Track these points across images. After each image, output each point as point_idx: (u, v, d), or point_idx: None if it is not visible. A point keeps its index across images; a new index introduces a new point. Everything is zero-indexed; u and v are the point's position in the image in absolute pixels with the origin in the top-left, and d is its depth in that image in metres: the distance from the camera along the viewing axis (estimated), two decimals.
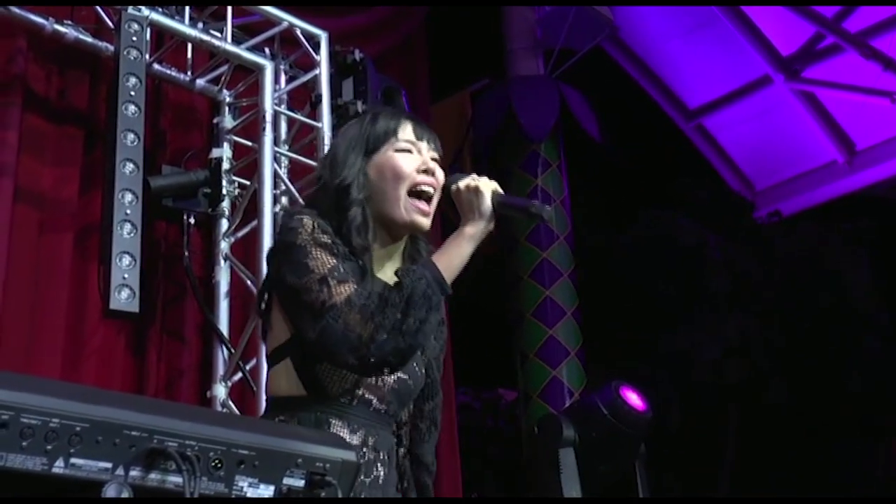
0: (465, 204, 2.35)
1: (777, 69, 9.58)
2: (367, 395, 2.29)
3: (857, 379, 9.77)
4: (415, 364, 2.37)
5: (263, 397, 4.97)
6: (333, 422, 2.24)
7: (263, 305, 2.40)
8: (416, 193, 2.39)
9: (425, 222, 2.40)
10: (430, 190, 2.40)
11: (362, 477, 2.21)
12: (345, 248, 2.29)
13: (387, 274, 2.39)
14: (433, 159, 2.44)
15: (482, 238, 2.34)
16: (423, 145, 2.43)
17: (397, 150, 2.41)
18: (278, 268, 2.30)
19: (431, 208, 2.41)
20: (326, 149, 2.48)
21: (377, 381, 2.29)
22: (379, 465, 2.29)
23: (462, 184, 2.37)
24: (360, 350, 2.12)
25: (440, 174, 2.43)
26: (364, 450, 2.25)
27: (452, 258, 2.29)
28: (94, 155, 5.32)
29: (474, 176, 2.39)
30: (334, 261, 2.23)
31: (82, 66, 5.44)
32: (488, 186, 2.37)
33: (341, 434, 2.22)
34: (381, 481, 2.29)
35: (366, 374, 2.23)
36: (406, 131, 2.43)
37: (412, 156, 2.41)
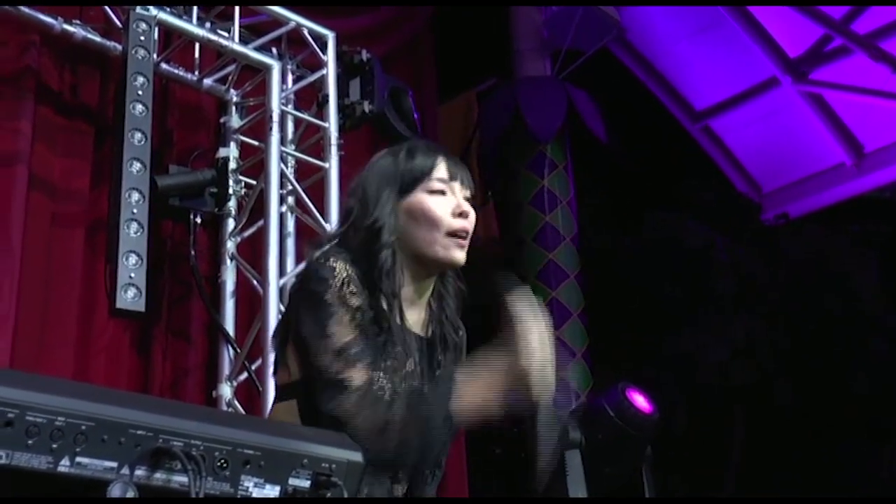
0: (522, 390, 2.21)
1: (784, 71, 9.56)
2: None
3: (864, 381, 9.73)
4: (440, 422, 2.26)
5: (269, 397, 4.99)
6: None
7: (278, 339, 2.37)
8: (452, 235, 2.34)
9: (460, 255, 2.35)
10: (466, 235, 2.35)
11: None
12: (370, 313, 2.24)
13: (413, 317, 2.36)
14: (466, 198, 2.39)
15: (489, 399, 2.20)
16: (456, 185, 2.38)
17: (431, 192, 2.35)
18: (298, 315, 2.26)
19: (465, 244, 2.36)
20: (356, 183, 2.42)
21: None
22: None
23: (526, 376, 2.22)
24: (375, 444, 2.05)
25: (472, 215, 2.38)
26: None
27: (477, 401, 2.19)
28: (104, 152, 5.33)
29: None
30: (353, 335, 2.19)
31: (93, 63, 5.45)
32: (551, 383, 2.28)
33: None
34: None
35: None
36: (440, 170, 2.37)
37: (446, 198, 2.35)
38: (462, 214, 2.34)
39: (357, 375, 2.15)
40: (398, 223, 2.32)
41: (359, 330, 2.20)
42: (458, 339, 2.46)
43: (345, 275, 2.23)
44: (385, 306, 2.28)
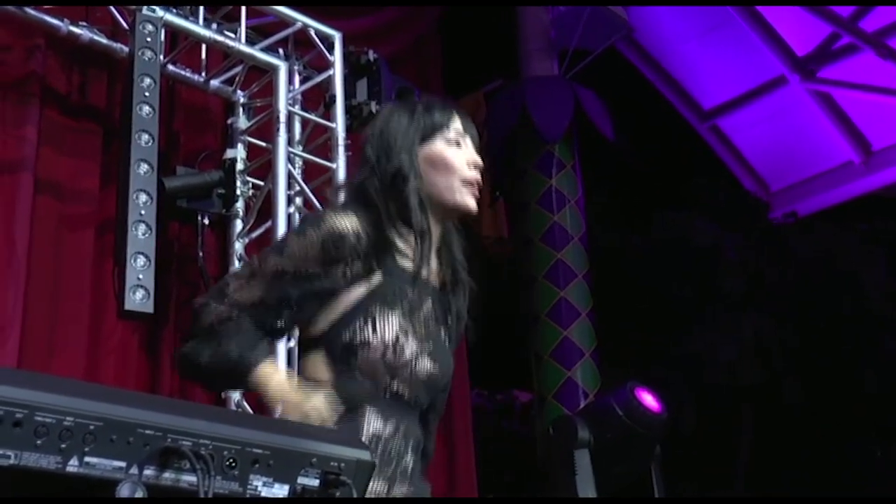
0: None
1: (792, 69, 9.55)
2: (399, 388, 2.31)
3: (873, 379, 9.72)
4: (445, 352, 2.41)
5: None
6: (368, 410, 2.26)
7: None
8: (469, 186, 2.44)
9: (475, 205, 2.45)
10: (476, 185, 2.45)
11: (393, 466, 2.25)
12: (359, 266, 2.30)
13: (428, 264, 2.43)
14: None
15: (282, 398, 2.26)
16: (468, 140, 2.49)
17: (448, 142, 2.45)
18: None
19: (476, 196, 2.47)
20: (373, 132, 2.50)
21: (411, 374, 2.31)
22: (408, 455, 2.31)
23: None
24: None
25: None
26: (395, 438, 2.28)
27: (284, 396, 2.24)
28: (113, 153, 5.34)
29: None
30: (288, 267, 2.27)
31: (100, 65, 5.47)
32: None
33: (374, 422, 2.26)
34: (409, 472, 2.31)
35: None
36: (456, 123, 2.48)
37: (461, 150, 2.46)
38: (476, 166, 2.46)
39: (246, 295, 2.25)
40: (419, 169, 2.42)
41: (299, 273, 2.27)
42: (466, 279, 2.54)
43: (330, 222, 2.30)
44: (413, 246, 2.37)
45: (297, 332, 2.47)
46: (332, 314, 2.30)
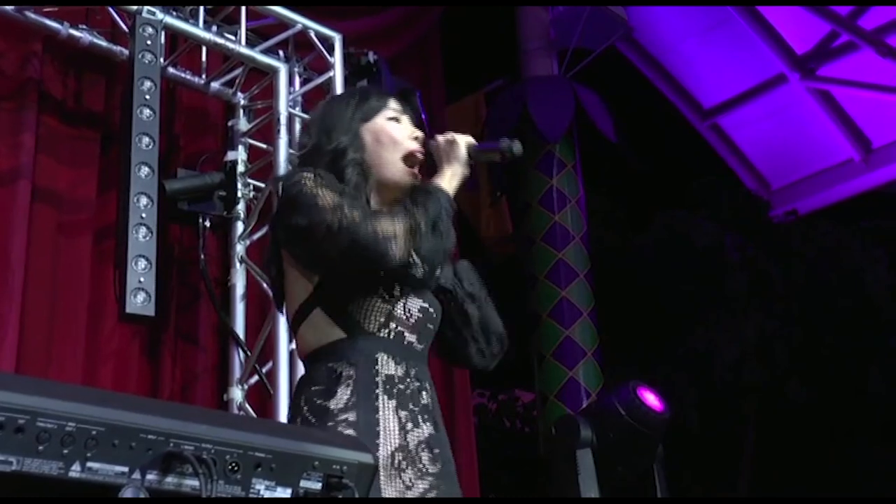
0: (443, 153, 2.51)
1: (792, 68, 9.55)
2: (399, 328, 2.39)
3: (877, 378, 9.72)
4: (430, 295, 2.51)
5: (281, 400, 5.00)
6: (379, 356, 2.34)
7: (275, 271, 2.51)
8: (408, 161, 2.54)
9: (413, 178, 2.54)
10: (421, 156, 2.55)
11: (412, 406, 2.33)
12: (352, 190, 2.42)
13: None
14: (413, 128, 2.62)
15: (457, 183, 2.48)
16: (407, 118, 2.61)
17: (390, 119, 2.58)
18: (287, 221, 2.38)
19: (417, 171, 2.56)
20: (313, 118, 2.63)
21: (405, 313, 2.40)
22: (424, 393, 2.38)
23: (440, 138, 2.54)
24: (394, 246, 2.26)
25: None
26: (408, 380, 2.35)
27: (446, 183, 2.46)
28: (111, 157, 5.33)
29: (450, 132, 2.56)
30: (340, 197, 2.33)
31: (98, 70, 5.46)
32: (463, 138, 2.53)
33: (388, 366, 2.33)
34: (430, 408, 2.38)
35: (403, 271, 2.32)
36: (393, 103, 2.61)
37: (401, 125, 2.58)
38: (417, 139, 2.57)
39: (359, 214, 2.30)
40: (362, 144, 2.52)
41: (345, 196, 2.35)
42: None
43: (315, 172, 2.41)
44: None
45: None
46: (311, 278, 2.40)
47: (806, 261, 10.08)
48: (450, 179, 2.46)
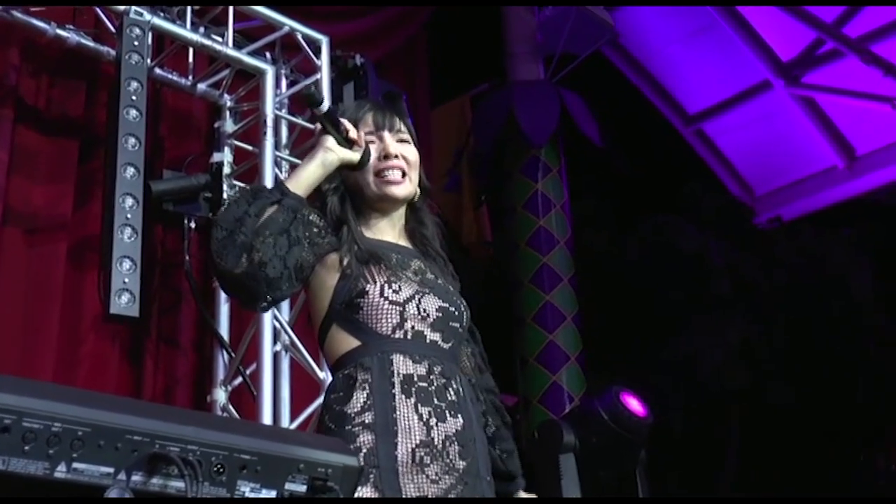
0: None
1: (777, 74, 9.60)
2: (417, 328, 2.41)
3: (859, 384, 9.76)
4: (449, 291, 2.52)
5: (264, 401, 5.00)
6: (395, 357, 2.36)
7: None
8: (381, 178, 2.54)
9: (395, 189, 2.55)
10: (393, 174, 2.54)
11: (436, 401, 2.34)
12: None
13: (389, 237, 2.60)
14: (400, 140, 2.59)
15: (320, 156, 2.43)
16: (385, 133, 2.58)
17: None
18: None
19: (404, 180, 2.56)
20: None
21: (420, 312, 2.42)
22: (451, 389, 2.39)
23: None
24: (212, 260, 2.28)
25: (405, 149, 2.58)
26: (431, 377, 2.37)
27: (295, 172, 2.46)
28: (91, 165, 5.32)
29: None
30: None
31: (78, 75, 5.43)
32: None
33: (405, 365, 2.35)
34: (459, 403, 2.39)
35: (234, 284, 2.30)
36: (366, 123, 2.58)
37: (374, 146, 2.55)
38: (387, 156, 2.55)
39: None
40: (343, 175, 2.55)
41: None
42: (442, 253, 2.67)
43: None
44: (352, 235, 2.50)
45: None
46: (326, 288, 2.43)
47: (790, 267, 10.10)
48: (308, 158, 2.46)
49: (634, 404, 4.42)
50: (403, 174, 2.55)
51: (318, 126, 2.47)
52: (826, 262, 10.07)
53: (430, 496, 2.24)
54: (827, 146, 10.08)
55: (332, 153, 2.43)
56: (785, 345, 9.87)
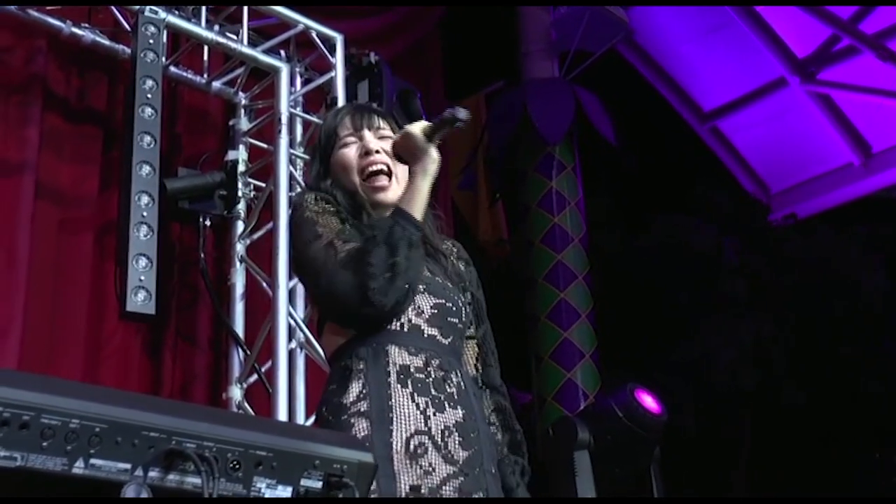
0: (403, 150, 2.55)
1: (792, 71, 9.56)
2: (414, 321, 2.43)
3: (874, 383, 9.72)
4: (446, 288, 2.54)
5: (280, 399, 5.01)
6: (390, 348, 2.38)
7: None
8: (367, 176, 2.59)
9: (383, 196, 2.58)
10: (376, 167, 2.59)
11: (434, 392, 2.35)
12: (347, 214, 2.52)
13: None
14: (381, 137, 2.64)
15: (432, 172, 2.48)
16: (366, 132, 2.64)
17: (343, 146, 2.64)
18: (293, 246, 2.54)
19: (390, 180, 2.59)
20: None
21: (415, 309, 2.44)
22: (450, 382, 2.40)
23: (396, 137, 2.60)
24: (363, 301, 2.29)
25: (387, 144, 2.62)
26: (429, 369, 2.38)
27: (413, 197, 2.46)
28: (112, 155, 5.35)
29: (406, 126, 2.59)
30: (340, 224, 2.45)
31: (101, 68, 5.47)
32: (415, 126, 2.53)
33: (401, 356, 2.37)
34: (459, 396, 2.40)
35: (379, 321, 2.37)
36: (345, 127, 2.66)
37: (355, 145, 2.63)
38: (368, 153, 2.60)
39: (343, 256, 2.37)
40: (331, 176, 2.63)
41: (344, 222, 2.47)
42: (443, 247, 2.70)
43: (315, 195, 2.55)
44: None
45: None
46: None
47: (803, 265, 10.07)
48: (420, 175, 2.47)
49: (649, 401, 4.42)
50: (389, 173, 2.58)
51: (422, 135, 2.48)
52: (840, 260, 10.03)
53: (422, 487, 2.24)
54: (843, 143, 10.04)
55: (435, 162, 2.47)
56: (798, 344, 9.84)
